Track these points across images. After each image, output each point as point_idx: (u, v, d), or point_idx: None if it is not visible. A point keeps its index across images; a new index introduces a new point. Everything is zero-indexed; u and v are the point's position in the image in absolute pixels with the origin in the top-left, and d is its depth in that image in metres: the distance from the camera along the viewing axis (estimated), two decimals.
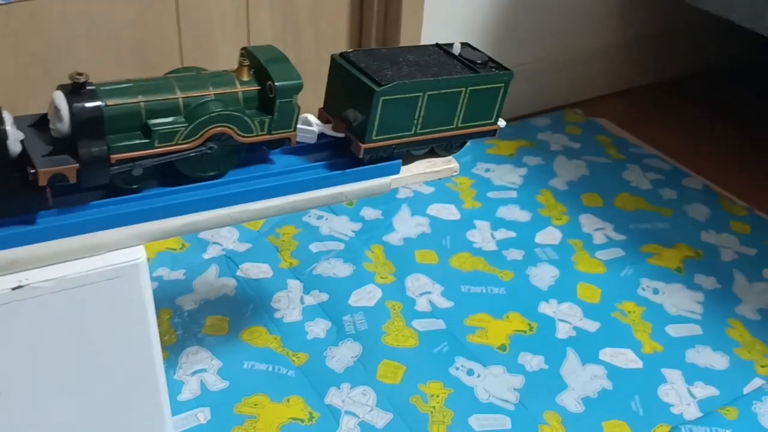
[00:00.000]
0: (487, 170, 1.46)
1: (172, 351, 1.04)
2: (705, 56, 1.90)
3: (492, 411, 0.99)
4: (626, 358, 1.07)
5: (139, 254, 0.67)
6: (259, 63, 0.72)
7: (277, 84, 0.70)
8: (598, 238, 1.30)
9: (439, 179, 0.84)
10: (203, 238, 1.24)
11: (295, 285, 1.16)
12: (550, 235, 1.30)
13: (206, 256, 1.21)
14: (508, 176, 1.45)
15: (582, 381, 1.03)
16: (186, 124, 0.67)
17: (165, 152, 0.67)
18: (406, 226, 1.30)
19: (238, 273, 1.18)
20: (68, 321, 0.67)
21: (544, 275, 1.21)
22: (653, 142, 1.59)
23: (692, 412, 1.00)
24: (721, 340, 1.12)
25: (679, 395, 1.02)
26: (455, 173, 0.84)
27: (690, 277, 1.23)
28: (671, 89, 1.83)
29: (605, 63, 1.74)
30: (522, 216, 1.35)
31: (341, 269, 1.20)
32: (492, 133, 0.82)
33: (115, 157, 0.65)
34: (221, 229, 1.26)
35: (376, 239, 1.26)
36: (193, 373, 1.01)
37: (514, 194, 1.40)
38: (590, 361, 1.06)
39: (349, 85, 0.75)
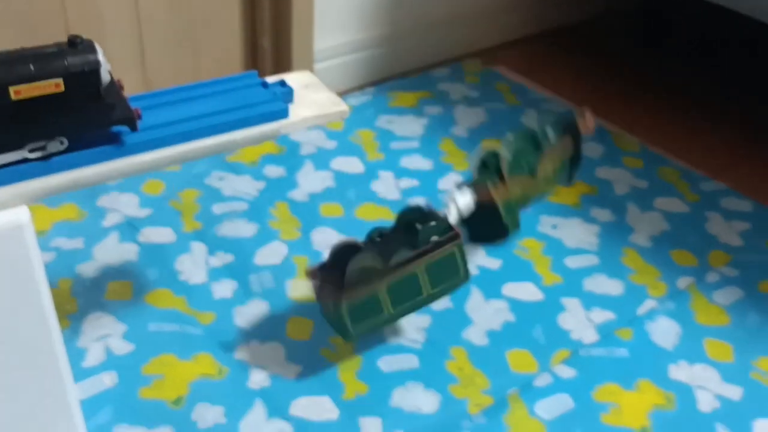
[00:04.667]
0: (389, 122, 1.47)
1: (74, 319, 1.02)
2: (595, 5, 1.95)
3: (400, 352, 1.01)
4: (527, 291, 1.11)
5: (21, 215, 0.65)
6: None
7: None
8: None
9: (330, 122, 0.84)
10: (102, 207, 1.21)
11: (199, 247, 1.15)
12: (452, 181, 1.33)
13: (106, 224, 1.18)
14: (410, 127, 1.46)
15: (486, 316, 1.06)
16: None
17: None
18: (311, 181, 1.30)
19: (140, 239, 1.16)
20: None
21: None
22: (550, 87, 1.63)
23: (590, 336, 1.05)
24: (617, 267, 1.17)
25: (578, 321, 1.07)
26: (345, 116, 0.84)
27: (586, 211, 1.27)
28: (564, 37, 1.87)
29: (501, 14, 1.77)
30: (425, 164, 1.37)
31: (245, 229, 1.19)
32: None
33: None
34: (121, 195, 1.24)
35: (281, 196, 1.26)
36: (98, 339, 0.99)
37: (416, 144, 1.42)
38: (494, 297, 1.10)
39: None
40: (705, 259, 1.19)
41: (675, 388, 0.99)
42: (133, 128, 0.71)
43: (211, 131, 0.75)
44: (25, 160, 0.68)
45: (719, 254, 1.20)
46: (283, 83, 0.83)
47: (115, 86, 0.71)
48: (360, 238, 1.18)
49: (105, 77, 0.67)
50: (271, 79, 0.84)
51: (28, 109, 0.65)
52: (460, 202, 0.98)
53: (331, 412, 0.92)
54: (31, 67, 0.64)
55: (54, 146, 0.68)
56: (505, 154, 1.01)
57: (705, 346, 1.05)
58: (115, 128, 0.72)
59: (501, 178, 1.01)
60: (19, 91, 0.63)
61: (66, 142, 0.68)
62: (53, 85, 0.64)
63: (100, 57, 0.66)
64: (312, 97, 0.83)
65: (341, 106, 0.83)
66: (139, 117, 0.71)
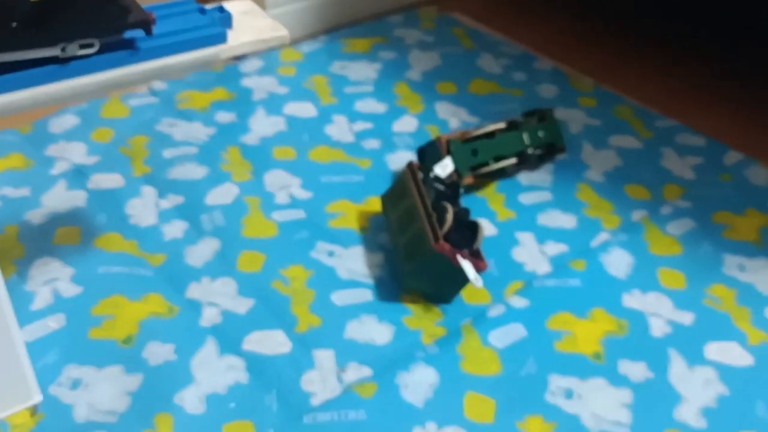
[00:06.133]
0: (343, 68, 1.45)
1: (21, 264, 1.00)
2: None
3: (354, 287, 1.00)
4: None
5: None
6: None
7: None
8: (453, 123, 1.32)
9: (270, 48, 0.82)
10: (49, 156, 1.19)
11: (149, 191, 1.13)
12: (407, 124, 1.32)
13: (54, 172, 1.16)
14: (363, 72, 1.44)
15: None
16: None
17: None
18: (263, 126, 1.28)
19: (89, 185, 1.14)
20: None
21: (401, 160, 1.22)
22: (506, 32, 1.62)
23: (544, 267, 1.05)
24: (570, 202, 1.17)
25: (531, 254, 1.07)
26: (285, 42, 0.83)
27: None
28: None
29: None
30: (379, 108, 1.35)
31: (196, 172, 1.17)
32: None
33: None
34: (68, 144, 1.21)
35: (232, 141, 1.24)
36: (46, 283, 0.97)
37: (370, 88, 1.40)
38: None
39: None
40: (658, 192, 1.20)
41: (628, 315, 0.99)
42: (148, 32, 0.72)
43: (146, 55, 0.74)
44: (42, 62, 0.69)
45: (673, 188, 1.21)
46: (221, 9, 0.81)
47: None
48: (313, 180, 1.18)
49: None
50: (208, 6, 0.82)
51: (45, 11, 0.66)
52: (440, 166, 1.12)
53: (284, 345, 0.92)
54: None
55: (72, 49, 0.69)
56: (493, 165, 1.18)
57: (658, 275, 1.05)
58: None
59: (474, 169, 1.16)
60: None
61: (97, 44, 0.70)
62: None
63: None
64: (251, 23, 0.81)
65: (281, 32, 0.82)
66: (154, 21, 0.72)
